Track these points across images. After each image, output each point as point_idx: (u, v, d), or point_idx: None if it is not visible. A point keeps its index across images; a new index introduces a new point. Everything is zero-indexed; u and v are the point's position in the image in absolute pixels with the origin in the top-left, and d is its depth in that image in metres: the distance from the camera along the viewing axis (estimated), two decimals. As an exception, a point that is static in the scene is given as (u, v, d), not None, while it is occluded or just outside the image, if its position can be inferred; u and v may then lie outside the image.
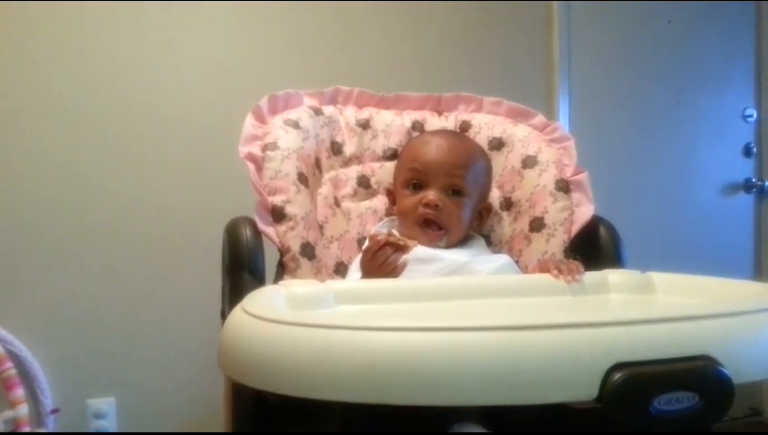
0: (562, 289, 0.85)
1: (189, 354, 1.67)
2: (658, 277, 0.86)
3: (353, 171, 1.18)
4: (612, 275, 0.87)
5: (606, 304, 0.83)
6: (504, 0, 2.04)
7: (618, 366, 0.52)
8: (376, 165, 1.20)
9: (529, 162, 1.15)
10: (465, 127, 1.23)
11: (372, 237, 0.99)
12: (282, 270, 1.01)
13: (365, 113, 1.22)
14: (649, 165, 2.24)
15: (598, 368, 0.52)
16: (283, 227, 1.00)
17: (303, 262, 1.00)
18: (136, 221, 1.66)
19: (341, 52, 1.85)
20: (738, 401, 0.54)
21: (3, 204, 1.57)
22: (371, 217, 1.16)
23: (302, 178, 1.06)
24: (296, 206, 1.02)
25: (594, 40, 2.17)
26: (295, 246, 1.00)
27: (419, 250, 0.98)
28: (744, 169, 2.38)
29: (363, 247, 1.02)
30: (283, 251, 1.00)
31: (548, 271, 0.88)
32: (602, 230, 1.06)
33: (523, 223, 1.12)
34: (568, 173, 1.12)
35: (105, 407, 1.63)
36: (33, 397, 1.54)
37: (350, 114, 1.21)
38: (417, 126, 1.23)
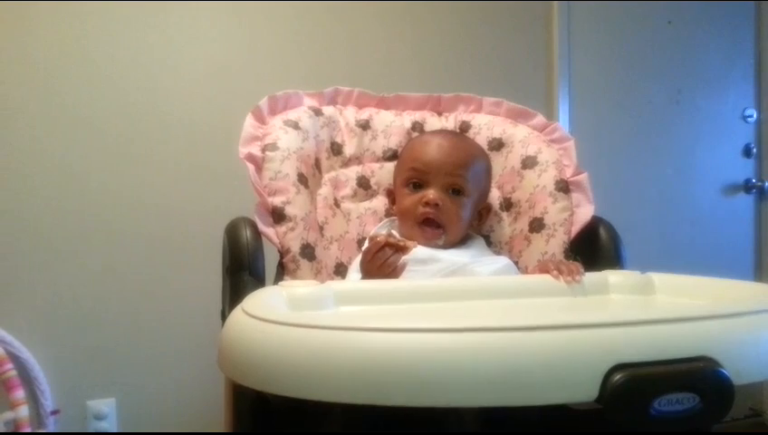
0: (562, 290, 0.85)
1: (190, 355, 1.67)
2: (658, 278, 0.86)
3: (353, 172, 1.18)
4: (612, 276, 0.87)
5: (606, 304, 0.83)
6: (503, 0, 2.04)
7: (618, 367, 0.52)
8: (376, 166, 1.20)
9: (529, 163, 1.15)
10: (464, 127, 1.23)
11: (372, 238, 0.99)
12: (282, 271, 1.01)
13: (365, 114, 1.22)
14: (649, 165, 2.24)
15: (598, 369, 0.52)
16: (282, 228, 1.00)
17: (303, 263, 1.00)
18: (136, 221, 1.66)
19: (341, 52, 1.85)
20: (738, 402, 0.54)
21: (3, 204, 1.57)
22: (371, 218, 1.16)
23: (302, 179, 1.06)
24: (296, 207, 1.02)
25: (594, 40, 2.17)
26: (295, 247, 1.00)
27: (419, 251, 0.98)
28: (744, 169, 2.38)
29: (363, 248, 1.02)
30: (282, 252, 1.00)
31: (548, 272, 0.88)
32: (602, 231, 1.06)
33: (523, 223, 1.12)
34: (568, 174, 1.12)
35: (105, 408, 1.63)
36: (34, 398, 1.54)
37: (350, 115, 1.21)
38: (417, 126, 1.23)
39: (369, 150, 1.20)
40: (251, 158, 1.03)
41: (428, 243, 1.04)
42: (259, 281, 0.94)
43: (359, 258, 1.01)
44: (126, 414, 1.65)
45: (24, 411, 1.49)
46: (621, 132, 2.21)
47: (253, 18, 1.77)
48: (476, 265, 1.01)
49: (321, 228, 1.09)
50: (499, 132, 1.21)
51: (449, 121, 1.25)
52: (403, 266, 0.96)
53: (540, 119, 1.21)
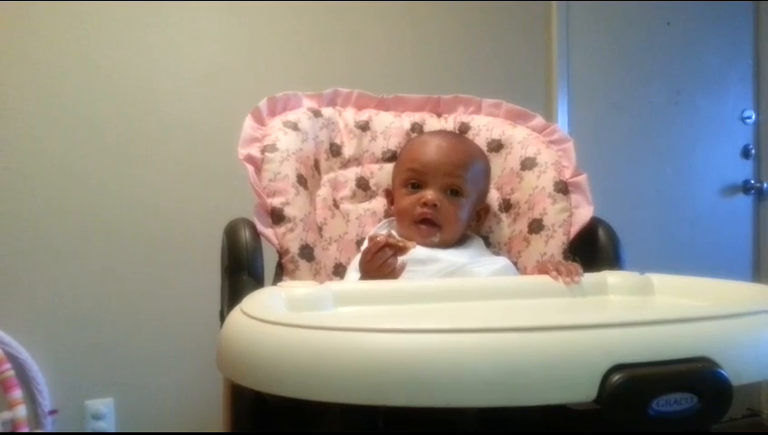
0: (561, 291, 0.85)
1: (189, 355, 1.67)
2: (657, 279, 0.86)
3: (352, 173, 1.18)
4: (611, 277, 0.87)
5: (605, 305, 0.84)
6: (502, 0, 2.04)
7: (617, 368, 0.52)
8: (375, 167, 1.20)
9: (528, 164, 1.15)
10: (464, 128, 1.23)
11: (372, 239, 0.99)
12: (280, 271, 1.01)
13: (364, 115, 1.22)
14: (648, 166, 2.25)
15: (597, 369, 0.52)
16: (282, 229, 1.00)
17: (302, 263, 1.00)
18: (135, 221, 1.66)
19: (341, 52, 1.85)
20: (737, 402, 0.54)
21: (3, 204, 1.57)
22: (370, 219, 1.16)
23: (301, 180, 1.06)
24: (295, 207, 1.02)
25: (593, 41, 2.17)
26: (294, 248, 1.00)
27: (418, 251, 0.98)
28: (743, 170, 2.39)
29: (362, 249, 1.02)
30: (281, 253, 1.00)
31: (547, 272, 0.88)
32: (601, 232, 1.06)
33: (522, 224, 1.12)
34: (567, 175, 1.12)
35: (104, 408, 1.63)
36: (32, 398, 1.54)
37: (350, 116, 1.21)
38: (417, 128, 1.23)
39: (368, 152, 1.20)
40: (250, 159, 1.03)
41: (424, 241, 1.04)
42: (258, 282, 0.94)
43: (357, 258, 1.01)
44: (124, 414, 1.65)
45: (21, 411, 1.49)
46: (620, 133, 2.21)
47: (252, 18, 1.77)
48: (475, 266, 1.01)
49: (320, 229, 1.09)
50: (498, 133, 1.21)
51: (448, 123, 1.25)
52: (402, 267, 0.96)
53: (539, 120, 1.21)
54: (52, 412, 1.56)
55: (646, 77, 2.24)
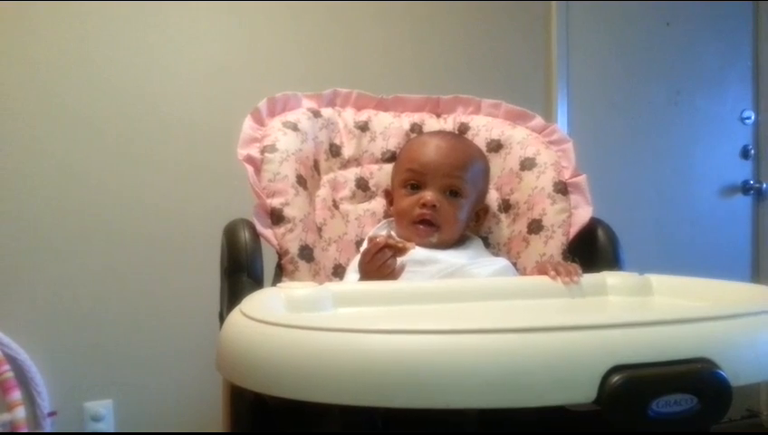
0: (561, 291, 0.85)
1: (188, 356, 1.67)
2: (656, 279, 0.86)
3: (352, 173, 1.18)
4: (610, 278, 0.87)
5: (604, 306, 0.84)
6: (502, 0, 2.04)
7: (616, 368, 0.52)
8: (374, 167, 1.20)
9: (527, 164, 1.15)
10: (463, 129, 1.23)
11: (371, 239, 0.99)
12: (280, 272, 1.01)
13: (363, 115, 1.22)
14: (647, 167, 2.25)
15: (596, 370, 0.52)
16: (281, 230, 1.00)
17: (302, 264, 1.00)
18: (135, 221, 1.66)
19: (341, 52, 1.85)
20: (736, 403, 0.54)
21: (3, 204, 1.57)
22: (370, 220, 1.16)
23: (301, 181, 1.06)
24: (295, 208, 1.02)
25: (593, 41, 2.17)
26: (294, 249, 1.00)
27: (418, 252, 0.98)
28: (742, 171, 2.39)
29: (362, 249, 1.02)
30: (281, 253, 1.00)
31: (546, 273, 0.88)
32: (600, 232, 1.07)
33: (522, 225, 1.12)
34: (566, 175, 1.12)
35: (103, 410, 1.63)
36: (31, 400, 1.54)
37: (349, 116, 1.21)
38: (416, 128, 1.23)
39: (367, 152, 1.20)
40: (250, 159, 1.03)
41: (422, 241, 1.04)
42: (257, 282, 0.94)
43: (357, 259, 1.01)
44: (123, 416, 1.65)
45: (20, 413, 1.49)
46: (620, 133, 2.21)
47: (252, 18, 1.77)
48: (475, 267, 1.01)
49: (320, 230, 1.09)
50: (498, 134, 1.21)
51: (448, 123, 1.25)
52: (402, 268, 0.96)
53: (538, 120, 1.21)
54: (52, 414, 1.55)
55: (645, 77, 2.23)
